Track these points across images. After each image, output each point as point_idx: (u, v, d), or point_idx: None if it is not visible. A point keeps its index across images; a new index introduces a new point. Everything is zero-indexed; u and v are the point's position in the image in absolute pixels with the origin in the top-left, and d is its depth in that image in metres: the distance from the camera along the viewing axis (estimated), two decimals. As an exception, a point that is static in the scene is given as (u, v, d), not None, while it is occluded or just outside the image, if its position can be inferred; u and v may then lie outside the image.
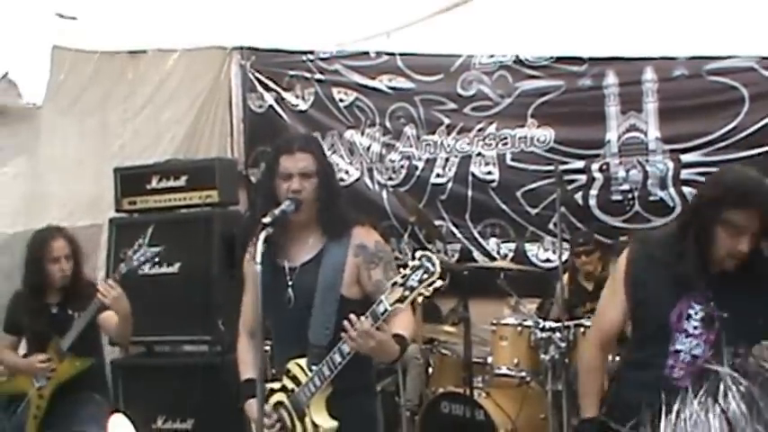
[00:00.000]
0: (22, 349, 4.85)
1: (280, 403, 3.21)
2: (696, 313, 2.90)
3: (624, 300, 3.07)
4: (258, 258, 2.98)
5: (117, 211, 5.75)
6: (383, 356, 3.04)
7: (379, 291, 2.97)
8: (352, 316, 2.88)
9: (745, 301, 2.82)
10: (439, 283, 2.85)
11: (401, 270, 2.91)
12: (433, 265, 2.84)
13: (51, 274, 4.62)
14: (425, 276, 2.84)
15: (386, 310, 2.86)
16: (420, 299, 2.90)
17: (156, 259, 4.64)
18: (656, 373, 2.91)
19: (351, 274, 3.22)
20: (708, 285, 2.87)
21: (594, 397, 3.17)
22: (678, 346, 2.91)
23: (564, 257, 5.60)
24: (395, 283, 2.86)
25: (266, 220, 3.05)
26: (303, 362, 3.15)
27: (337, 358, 2.99)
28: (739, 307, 2.83)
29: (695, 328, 2.89)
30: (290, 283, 3.26)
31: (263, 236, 3.00)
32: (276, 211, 3.09)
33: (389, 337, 2.96)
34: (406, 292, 2.84)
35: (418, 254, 2.90)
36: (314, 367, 3.09)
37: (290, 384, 3.19)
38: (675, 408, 0.74)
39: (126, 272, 4.40)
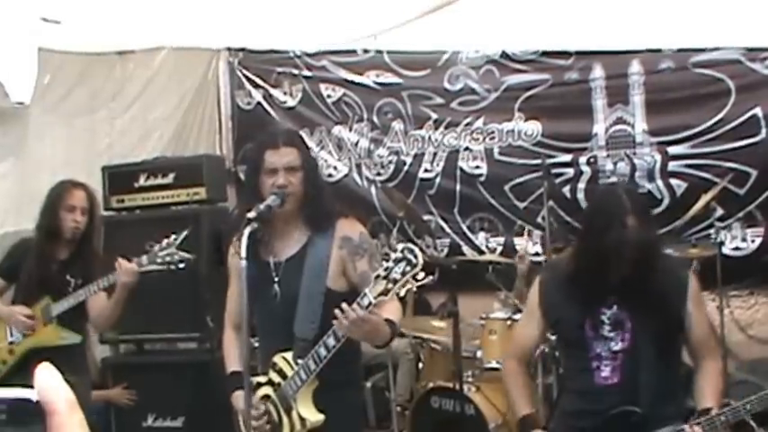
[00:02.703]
0: (6, 300, 4.62)
1: (266, 397, 3.22)
2: (607, 318, 3.16)
3: (541, 320, 3.33)
4: (243, 254, 2.99)
5: (105, 209, 5.72)
6: (376, 340, 3.07)
7: (365, 282, 2.97)
8: (345, 305, 2.88)
9: (648, 297, 3.08)
10: (422, 274, 2.87)
11: (384, 263, 2.92)
12: (416, 257, 2.86)
13: (64, 221, 4.40)
14: (408, 269, 2.85)
15: (370, 303, 2.87)
16: (404, 292, 2.91)
17: (182, 266, 4.16)
18: (587, 377, 3.18)
19: (336, 267, 3.24)
20: (612, 292, 3.14)
21: (524, 394, 3.38)
22: (598, 350, 3.16)
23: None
24: (378, 276, 2.87)
25: (251, 215, 3.05)
26: (289, 355, 3.15)
27: (323, 351, 2.99)
28: (643, 304, 3.09)
29: (609, 331, 3.15)
30: (276, 279, 3.26)
31: (247, 231, 3.01)
32: (261, 206, 3.09)
33: (381, 320, 2.98)
34: (390, 285, 2.85)
35: (400, 246, 2.92)
36: (300, 361, 3.09)
37: (276, 378, 3.19)
38: None
39: (146, 265, 4.13)
